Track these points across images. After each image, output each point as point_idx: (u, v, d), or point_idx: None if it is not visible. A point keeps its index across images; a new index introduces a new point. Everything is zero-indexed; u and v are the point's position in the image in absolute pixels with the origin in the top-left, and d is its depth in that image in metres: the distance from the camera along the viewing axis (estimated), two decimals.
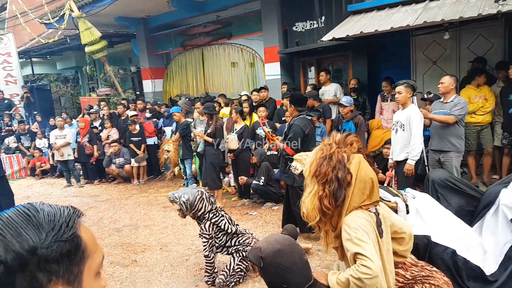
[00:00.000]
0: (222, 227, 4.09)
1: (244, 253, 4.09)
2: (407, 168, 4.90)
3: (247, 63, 10.64)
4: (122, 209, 7.20)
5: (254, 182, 6.57)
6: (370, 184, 1.95)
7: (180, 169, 8.26)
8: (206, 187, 6.61)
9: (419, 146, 4.87)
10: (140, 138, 9.02)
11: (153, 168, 9.56)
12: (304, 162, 2.80)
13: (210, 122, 6.73)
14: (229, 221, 4.21)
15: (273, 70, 9.29)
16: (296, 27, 8.72)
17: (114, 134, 9.47)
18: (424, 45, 7.67)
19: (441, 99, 5.39)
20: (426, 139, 5.76)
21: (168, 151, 8.17)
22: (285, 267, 1.88)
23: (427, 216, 3.26)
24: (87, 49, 12.03)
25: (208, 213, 4.09)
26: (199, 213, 4.07)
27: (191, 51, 11.92)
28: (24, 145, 11.34)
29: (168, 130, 9.30)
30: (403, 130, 4.98)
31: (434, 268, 2.88)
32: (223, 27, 10.77)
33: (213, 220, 4.06)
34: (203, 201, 4.09)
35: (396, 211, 3.16)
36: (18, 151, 11.20)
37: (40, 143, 11.16)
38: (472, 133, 6.16)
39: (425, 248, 3.14)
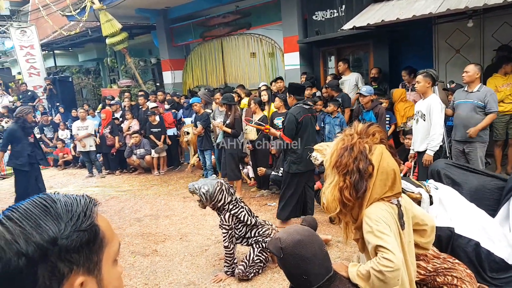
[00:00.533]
0: (242, 218, 4.11)
1: (263, 244, 4.10)
2: (425, 158, 4.80)
3: (266, 53, 10.56)
4: (142, 199, 7.30)
5: (273, 173, 6.56)
6: (392, 175, 1.90)
7: (199, 159, 8.31)
8: (225, 178, 6.65)
9: (439, 137, 4.76)
10: (160, 129, 9.11)
11: (173, 159, 9.66)
12: (324, 153, 2.77)
13: (229, 113, 6.73)
14: (249, 212, 4.21)
15: (292, 60, 9.20)
16: (316, 16, 8.60)
17: (135, 125, 9.58)
18: (447, 33, 7.47)
19: (465, 88, 5.25)
20: (449, 129, 5.64)
21: (187, 132, 8.24)
22: (305, 258, 1.87)
23: (450, 207, 3.20)
24: (108, 41, 12.14)
25: (227, 204, 4.10)
26: (219, 204, 4.09)
27: (210, 42, 11.92)
28: (47, 136, 11.58)
29: (187, 121, 9.35)
30: (424, 120, 4.88)
31: (457, 261, 2.83)
32: (242, 17, 10.71)
33: (232, 212, 4.08)
34: (223, 192, 4.10)
35: (419, 202, 3.11)
36: (42, 142, 11.43)
37: (63, 134, 11.38)
38: (500, 122, 5.94)
39: (447, 240, 3.08)
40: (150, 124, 9.12)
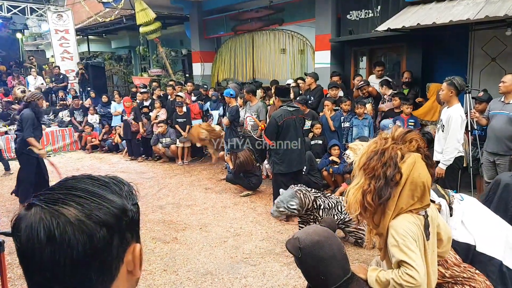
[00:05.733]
0: (328, 206, 4.40)
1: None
2: (436, 171, 4.57)
3: (296, 50, 10.52)
4: (166, 187, 7.43)
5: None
6: (422, 187, 1.83)
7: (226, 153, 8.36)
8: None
9: (453, 151, 4.56)
10: (185, 119, 9.23)
11: (197, 150, 9.76)
12: (357, 152, 2.76)
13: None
14: (325, 196, 4.53)
15: (323, 58, 9.14)
16: (350, 15, 8.51)
17: (162, 114, 9.73)
18: (483, 41, 7.26)
19: (501, 99, 5.09)
20: (483, 140, 5.50)
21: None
22: (324, 259, 1.88)
23: (473, 221, 3.11)
24: (141, 29, 12.34)
25: (313, 203, 4.35)
26: (309, 206, 4.34)
27: (241, 36, 11.95)
28: (76, 120, 11.88)
29: (215, 114, 9.43)
30: (443, 131, 4.71)
31: (477, 271, 2.78)
32: (275, 13, 10.69)
33: (321, 207, 4.37)
34: (307, 195, 4.35)
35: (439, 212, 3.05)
36: (71, 125, 11.75)
37: (92, 118, 11.65)
38: None
39: (465, 256, 3.00)
40: (177, 114, 9.26)
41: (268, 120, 6.50)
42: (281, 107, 5.37)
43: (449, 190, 3.30)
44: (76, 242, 0.71)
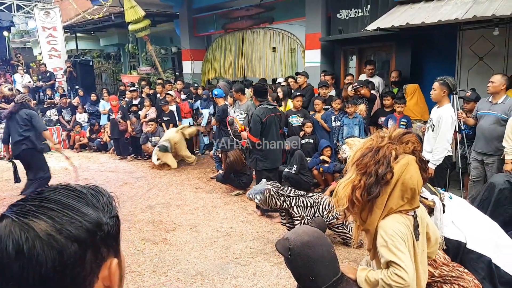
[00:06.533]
0: (304, 203, 4.47)
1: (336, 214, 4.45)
2: None
3: (287, 49, 10.52)
4: (155, 187, 7.38)
5: (286, 169, 6.56)
6: (412, 190, 1.84)
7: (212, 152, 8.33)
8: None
9: (443, 151, 4.58)
10: (169, 118, 9.23)
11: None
12: (353, 148, 2.74)
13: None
14: (303, 195, 4.61)
15: (313, 57, 9.16)
16: (340, 14, 8.53)
17: (152, 113, 9.66)
18: (471, 40, 7.32)
19: (489, 99, 5.13)
20: (471, 138, 5.55)
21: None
22: (313, 259, 1.88)
23: (462, 219, 3.14)
24: (130, 27, 12.24)
25: (283, 203, 4.48)
26: (277, 206, 4.51)
27: (232, 34, 11.91)
28: (64, 119, 11.74)
29: (205, 112, 9.40)
30: (433, 130, 4.71)
31: (465, 270, 2.80)
32: (265, 11, 10.68)
33: (294, 204, 4.46)
34: (273, 198, 4.49)
35: (432, 209, 3.07)
36: (59, 124, 11.61)
37: (80, 117, 11.53)
38: None
39: (455, 253, 3.03)
40: (163, 113, 9.23)
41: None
42: (261, 106, 5.55)
43: (438, 188, 3.32)
44: (44, 258, 0.68)
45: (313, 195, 4.75)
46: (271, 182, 4.82)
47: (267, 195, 4.48)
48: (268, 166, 5.57)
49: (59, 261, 0.69)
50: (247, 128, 5.87)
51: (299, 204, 4.49)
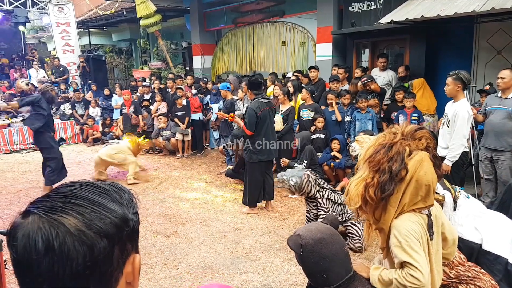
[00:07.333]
0: (334, 199, 4.44)
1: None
2: (442, 167, 4.40)
3: (297, 42, 10.43)
4: (166, 180, 7.39)
5: (296, 165, 6.50)
6: (426, 186, 1.78)
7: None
8: None
9: (459, 147, 4.47)
10: (184, 112, 9.18)
11: (197, 143, 9.72)
12: (364, 145, 2.67)
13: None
14: (335, 191, 4.58)
15: (324, 51, 9.05)
16: (353, 7, 8.40)
17: (163, 107, 9.68)
18: (489, 33, 7.16)
19: (499, 94, 5.01)
20: (480, 134, 5.44)
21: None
22: (326, 256, 1.84)
23: (479, 220, 3.06)
24: (142, 22, 12.26)
25: (317, 193, 4.42)
26: (310, 194, 4.43)
27: (242, 29, 11.85)
28: (78, 113, 11.85)
29: (215, 107, 9.38)
30: (448, 126, 4.61)
31: (482, 270, 2.73)
32: (276, 5, 10.59)
33: (325, 196, 4.43)
34: (310, 184, 4.40)
35: (442, 205, 3.01)
36: (72, 118, 11.72)
37: (93, 111, 11.62)
38: None
39: (470, 254, 2.96)
40: (176, 108, 9.21)
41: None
42: (256, 99, 5.53)
43: (456, 186, 3.24)
44: (75, 254, 0.68)
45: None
46: (308, 169, 4.79)
47: (305, 180, 4.37)
48: (262, 158, 5.55)
49: (89, 256, 0.69)
50: (235, 117, 6.02)
51: (330, 198, 4.44)
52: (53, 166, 6.58)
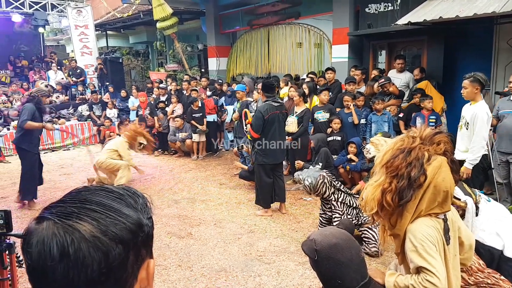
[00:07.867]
0: (349, 203, 4.39)
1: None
2: (462, 171, 4.39)
3: (313, 44, 10.37)
4: (181, 182, 7.43)
5: (311, 167, 6.46)
6: (445, 192, 1.74)
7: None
8: None
9: (480, 150, 4.37)
10: (201, 114, 9.21)
11: (212, 145, 9.74)
12: (379, 148, 2.62)
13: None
14: (351, 194, 4.51)
15: (340, 53, 8.98)
16: (369, 9, 8.32)
17: (179, 109, 9.74)
18: (509, 34, 7.00)
19: (511, 97, 4.90)
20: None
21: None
22: (341, 262, 1.80)
23: (500, 225, 2.98)
24: (158, 25, 12.37)
25: (332, 195, 4.39)
26: (325, 195, 4.40)
27: (257, 30, 11.84)
28: (95, 114, 12.00)
29: (230, 108, 9.39)
30: (467, 129, 4.50)
31: (502, 277, 2.67)
32: (292, 6, 10.56)
33: (340, 199, 4.38)
34: (325, 185, 4.37)
35: (464, 210, 2.94)
36: (90, 119, 11.89)
37: (110, 113, 11.75)
38: None
39: (490, 260, 2.88)
40: (192, 110, 9.25)
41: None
42: (267, 102, 5.51)
43: (476, 190, 3.16)
44: (91, 260, 0.67)
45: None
46: (325, 170, 4.76)
47: (320, 181, 4.34)
48: (267, 161, 5.53)
49: (104, 263, 0.68)
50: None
51: (345, 201, 4.39)
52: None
